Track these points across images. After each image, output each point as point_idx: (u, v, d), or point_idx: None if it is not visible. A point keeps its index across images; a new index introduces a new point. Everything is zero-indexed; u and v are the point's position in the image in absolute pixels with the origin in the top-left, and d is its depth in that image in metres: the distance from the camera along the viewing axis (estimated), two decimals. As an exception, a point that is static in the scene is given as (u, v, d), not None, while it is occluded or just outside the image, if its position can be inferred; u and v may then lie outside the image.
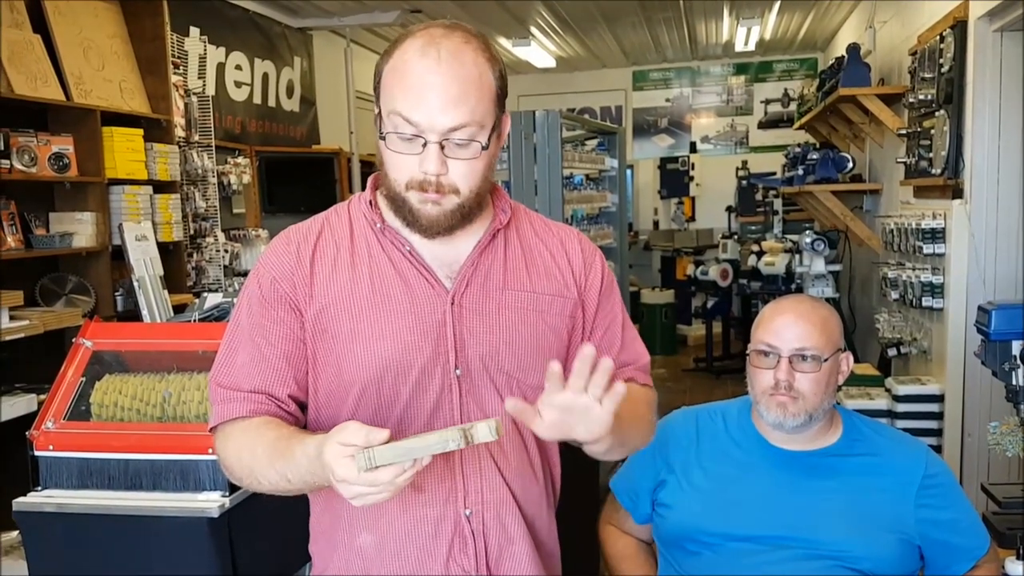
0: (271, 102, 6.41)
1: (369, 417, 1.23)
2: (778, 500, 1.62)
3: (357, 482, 0.99)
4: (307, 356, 1.26)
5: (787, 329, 1.63)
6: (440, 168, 1.15)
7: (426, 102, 1.13)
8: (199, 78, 5.10)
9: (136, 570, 1.86)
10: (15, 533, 2.24)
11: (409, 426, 1.23)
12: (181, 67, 4.81)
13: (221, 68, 5.76)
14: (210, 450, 1.88)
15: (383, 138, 1.18)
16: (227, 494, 1.86)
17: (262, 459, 1.16)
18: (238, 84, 5.99)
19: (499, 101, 1.20)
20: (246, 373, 1.24)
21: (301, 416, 1.28)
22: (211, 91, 5.30)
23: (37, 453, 1.93)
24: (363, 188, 1.34)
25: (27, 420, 2.00)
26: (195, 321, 2.30)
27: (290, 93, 6.68)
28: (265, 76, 6.32)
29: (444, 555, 1.24)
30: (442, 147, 1.15)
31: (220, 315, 2.31)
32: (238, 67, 5.98)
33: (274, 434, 1.17)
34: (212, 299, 2.39)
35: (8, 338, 3.13)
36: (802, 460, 1.66)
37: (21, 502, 1.89)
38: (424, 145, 1.15)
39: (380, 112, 1.20)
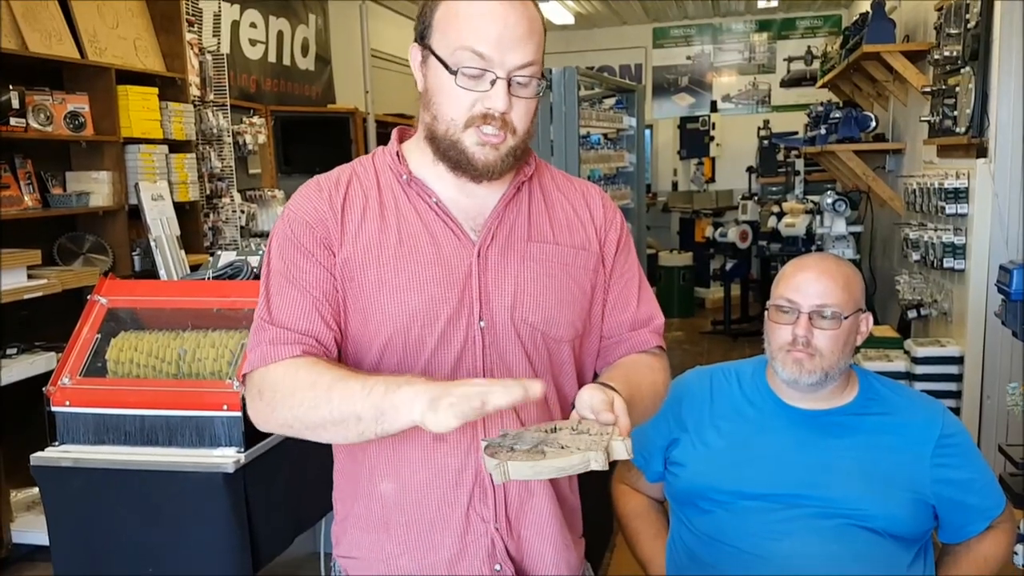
0: (286, 60, 6.36)
1: (394, 367, 1.23)
2: (791, 458, 1.61)
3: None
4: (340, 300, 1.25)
5: (809, 285, 1.61)
6: (507, 106, 1.17)
7: (499, 38, 1.16)
8: (214, 36, 5.07)
9: (152, 524, 1.88)
10: (35, 490, 2.27)
11: (432, 376, 1.22)
12: (195, 25, 4.78)
13: (236, 26, 5.72)
14: (224, 406, 1.89)
15: (453, 73, 1.17)
16: (242, 450, 1.88)
17: (321, 393, 1.10)
18: (253, 42, 5.95)
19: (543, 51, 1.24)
20: (289, 314, 1.20)
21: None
22: (226, 49, 5.27)
23: (54, 409, 1.95)
24: (379, 146, 1.33)
25: (46, 378, 2.02)
26: (209, 279, 2.30)
27: (305, 51, 6.63)
28: (280, 34, 6.27)
29: (464, 504, 1.24)
30: (508, 84, 1.17)
31: (234, 273, 2.31)
32: (253, 25, 5.94)
33: (337, 372, 1.12)
34: (226, 257, 2.39)
35: (26, 296, 3.16)
36: (816, 419, 1.65)
37: (39, 456, 1.91)
38: (493, 82, 1.16)
39: (432, 52, 1.19)
